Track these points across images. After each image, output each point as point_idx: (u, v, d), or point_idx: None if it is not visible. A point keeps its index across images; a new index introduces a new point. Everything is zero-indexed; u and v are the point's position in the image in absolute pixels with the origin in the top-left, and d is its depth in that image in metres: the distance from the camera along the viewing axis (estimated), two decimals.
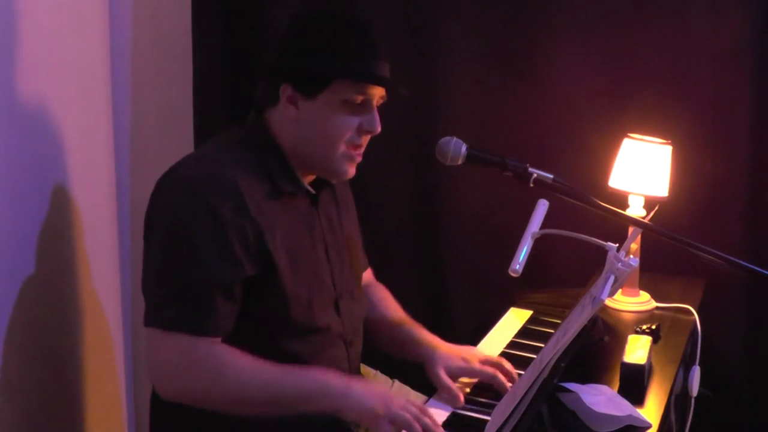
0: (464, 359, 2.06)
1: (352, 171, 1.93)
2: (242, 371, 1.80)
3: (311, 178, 1.97)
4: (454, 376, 2.04)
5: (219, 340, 1.82)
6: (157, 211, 1.87)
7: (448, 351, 2.07)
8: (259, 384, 1.80)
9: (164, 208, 1.85)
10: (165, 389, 1.83)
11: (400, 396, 1.87)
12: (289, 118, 1.89)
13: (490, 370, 2.03)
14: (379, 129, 1.90)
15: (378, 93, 1.89)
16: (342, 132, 1.87)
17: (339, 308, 1.99)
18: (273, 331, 1.88)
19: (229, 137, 1.95)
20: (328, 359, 1.95)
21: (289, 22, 1.95)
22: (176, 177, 1.86)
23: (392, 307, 2.20)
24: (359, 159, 1.93)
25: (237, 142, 1.92)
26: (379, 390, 1.88)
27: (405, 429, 1.78)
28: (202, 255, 1.78)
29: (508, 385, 2.01)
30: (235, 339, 1.83)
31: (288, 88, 1.87)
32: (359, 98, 1.86)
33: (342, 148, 1.88)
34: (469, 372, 2.05)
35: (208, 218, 1.78)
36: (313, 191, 1.96)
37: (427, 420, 1.81)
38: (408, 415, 1.79)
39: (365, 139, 1.91)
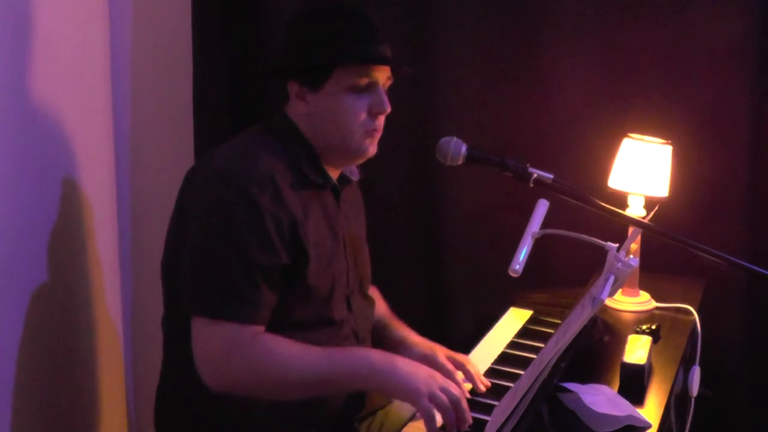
0: (430, 349, 2.09)
1: (373, 149, 1.95)
2: (288, 355, 1.83)
3: (336, 174, 2.00)
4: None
5: (262, 329, 1.84)
6: (192, 200, 1.89)
7: (416, 341, 2.12)
8: (305, 366, 1.83)
9: (200, 198, 1.87)
10: (213, 379, 1.84)
11: (441, 377, 1.88)
12: (302, 114, 1.92)
13: (450, 367, 2.05)
14: (388, 108, 1.92)
15: (383, 75, 1.91)
16: (353, 117, 1.89)
17: (350, 305, 2.02)
18: (290, 321, 1.90)
19: (260, 130, 1.98)
20: None
21: (288, 22, 1.98)
22: (213, 167, 1.88)
23: (376, 305, 2.21)
24: (378, 135, 1.95)
25: (267, 136, 1.95)
26: (422, 369, 1.88)
27: (441, 410, 1.81)
28: (241, 242, 1.80)
29: (468, 386, 2.04)
30: None
31: (294, 84, 1.91)
32: (363, 81, 1.88)
33: (358, 132, 1.91)
34: (432, 362, 2.04)
35: (245, 207, 1.80)
36: (338, 185, 2.00)
37: (464, 406, 1.83)
38: (446, 398, 1.81)
39: (379, 121, 1.93)
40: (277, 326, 1.87)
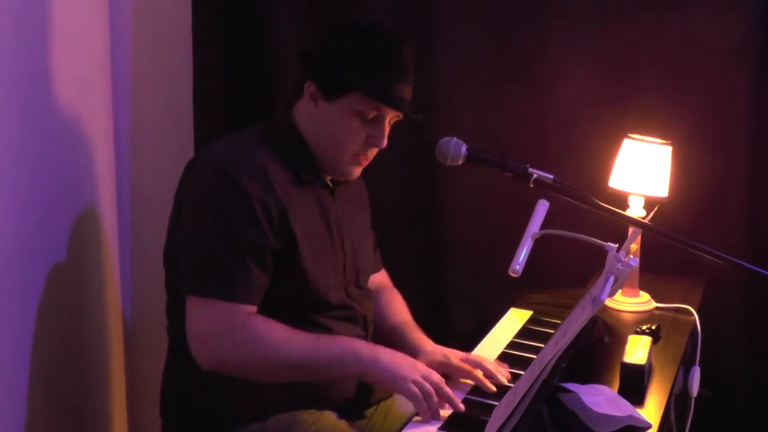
0: (445, 356, 2.10)
1: (356, 172, 2.04)
2: (276, 339, 1.89)
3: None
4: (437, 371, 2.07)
5: (254, 309, 1.90)
6: (188, 190, 1.98)
7: (431, 349, 2.13)
8: (292, 351, 1.89)
9: (195, 187, 1.96)
10: (203, 358, 1.89)
11: (423, 365, 1.96)
12: (308, 113, 1.99)
13: (467, 367, 2.07)
14: (384, 145, 1.98)
15: (392, 112, 1.97)
16: (348, 140, 1.96)
17: (349, 294, 2.07)
18: (295, 304, 1.96)
19: (257, 130, 2.05)
20: (348, 335, 2.02)
21: (336, 26, 2.05)
22: (207, 159, 1.97)
23: (395, 312, 2.24)
24: (365, 163, 2.02)
25: (264, 134, 2.02)
26: (403, 357, 1.96)
27: (424, 396, 1.88)
28: (231, 225, 1.88)
29: (488, 383, 2.04)
30: (262, 311, 1.92)
31: (312, 85, 1.97)
32: (372, 113, 1.94)
33: (348, 155, 1.98)
34: (448, 367, 2.07)
35: (235, 193, 1.88)
36: (331, 184, 2.05)
37: (447, 390, 1.91)
38: (428, 385, 1.90)
39: (372, 152, 2.00)
40: (277, 311, 1.91)
